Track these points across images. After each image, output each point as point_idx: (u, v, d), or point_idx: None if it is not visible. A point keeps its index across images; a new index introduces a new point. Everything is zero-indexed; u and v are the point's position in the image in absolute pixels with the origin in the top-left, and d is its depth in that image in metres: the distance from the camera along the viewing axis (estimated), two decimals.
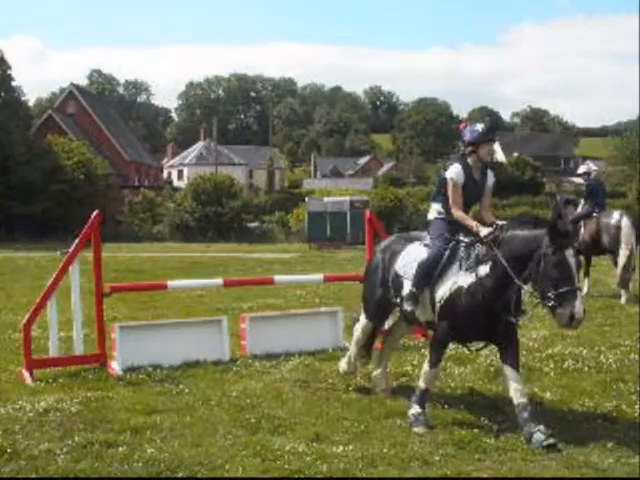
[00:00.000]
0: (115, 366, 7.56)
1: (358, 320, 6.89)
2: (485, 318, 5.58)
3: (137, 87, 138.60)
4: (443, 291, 5.75)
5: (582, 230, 12.87)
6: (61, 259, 7.77)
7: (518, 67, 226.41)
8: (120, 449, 5.14)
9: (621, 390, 6.66)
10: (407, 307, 6.05)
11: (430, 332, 6.47)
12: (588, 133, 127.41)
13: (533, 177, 51.34)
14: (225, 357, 8.03)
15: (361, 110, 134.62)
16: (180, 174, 69.90)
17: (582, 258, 11.02)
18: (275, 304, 12.30)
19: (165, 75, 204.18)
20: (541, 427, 5.28)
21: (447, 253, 5.86)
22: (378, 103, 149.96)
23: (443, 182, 6.14)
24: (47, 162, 39.32)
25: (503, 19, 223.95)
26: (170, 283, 9.24)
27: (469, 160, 6.10)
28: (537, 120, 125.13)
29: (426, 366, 5.86)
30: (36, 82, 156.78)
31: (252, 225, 41.42)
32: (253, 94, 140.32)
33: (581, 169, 15.19)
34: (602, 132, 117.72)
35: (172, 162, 76.19)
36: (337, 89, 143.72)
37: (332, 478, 4.69)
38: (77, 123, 55.65)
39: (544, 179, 54.48)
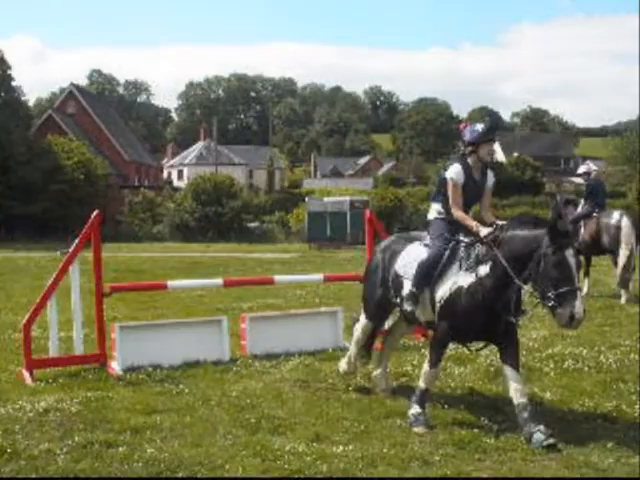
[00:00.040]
0: (115, 366, 7.56)
1: (358, 320, 6.89)
2: (485, 318, 5.58)
3: (137, 87, 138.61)
4: (443, 291, 5.75)
5: (582, 230, 12.86)
6: (61, 259, 7.76)
7: (518, 67, 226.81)
8: (120, 449, 5.14)
9: (621, 390, 6.66)
10: (407, 307, 6.05)
11: (430, 332, 6.47)
12: (588, 133, 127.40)
13: (533, 177, 51.33)
14: (225, 357, 8.03)
15: (361, 110, 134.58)
16: (180, 174, 69.90)
17: (582, 258, 11.02)
18: (275, 304, 12.30)
19: (165, 75, 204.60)
20: (541, 427, 5.28)
21: (447, 253, 5.86)
22: (378, 103, 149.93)
23: (443, 182, 6.14)
24: (47, 162, 39.31)
25: (503, 19, 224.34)
26: (170, 283, 9.25)
27: (469, 160, 6.10)
28: (537, 120, 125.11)
29: (426, 366, 5.86)
30: (36, 82, 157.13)
31: (252, 225, 41.41)
32: (253, 94, 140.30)
33: (581, 169, 15.19)
34: (602, 132, 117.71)
35: (172, 162, 76.17)
36: (337, 89, 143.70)
37: (332, 478, 4.69)
38: (77, 123, 55.65)
39: (544, 179, 54.47)
